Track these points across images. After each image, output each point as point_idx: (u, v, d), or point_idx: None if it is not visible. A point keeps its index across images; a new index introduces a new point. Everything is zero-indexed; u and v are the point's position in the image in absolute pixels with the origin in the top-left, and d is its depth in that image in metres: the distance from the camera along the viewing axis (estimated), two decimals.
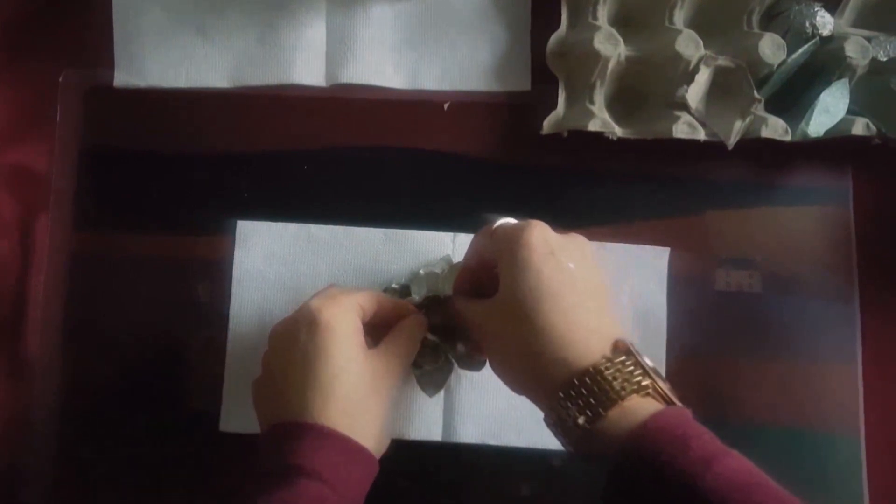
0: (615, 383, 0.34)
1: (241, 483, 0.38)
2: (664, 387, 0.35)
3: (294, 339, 0.39)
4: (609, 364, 0.35)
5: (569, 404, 0.35)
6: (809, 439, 0.49)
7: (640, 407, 0.34)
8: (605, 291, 0.39)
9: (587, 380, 0.35)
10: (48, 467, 0.49)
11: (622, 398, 0.34)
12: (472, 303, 0.41)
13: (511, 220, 0.42)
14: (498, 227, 0.40)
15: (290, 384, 0.39)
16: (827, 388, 0.49)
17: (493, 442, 0.49)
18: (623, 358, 0.35)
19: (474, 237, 0.42)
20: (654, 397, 0.35)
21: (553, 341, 0.36)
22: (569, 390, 0.35)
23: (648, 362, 0.36)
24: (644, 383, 0.35)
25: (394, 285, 0.49)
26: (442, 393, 0.48)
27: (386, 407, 0.41)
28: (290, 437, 0.37)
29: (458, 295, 0.43)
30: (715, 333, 0.50)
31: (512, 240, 0.38)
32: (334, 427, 0.37)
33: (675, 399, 0.35)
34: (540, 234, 0.38)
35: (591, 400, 0.34)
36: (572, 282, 0.37)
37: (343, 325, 0.39)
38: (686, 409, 0.35)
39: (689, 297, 0.50)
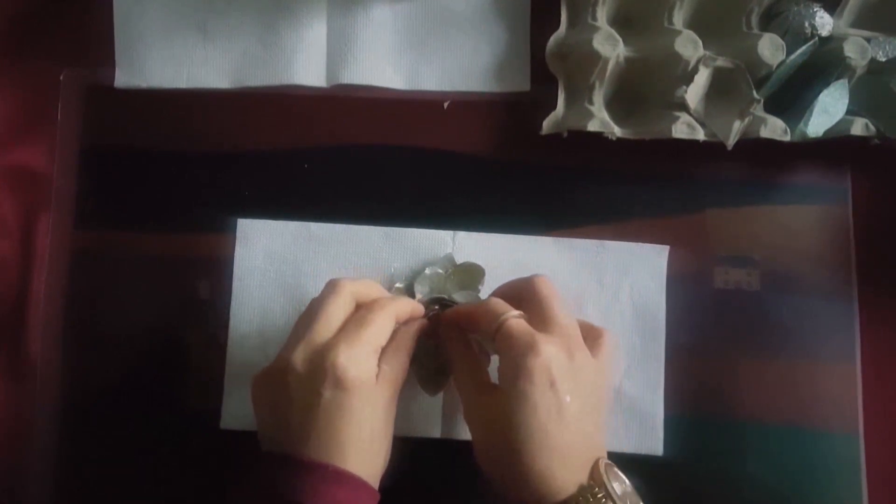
0: None
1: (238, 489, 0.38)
2: None
3: (316, 393, 0.37)
4: (581, 500, 0.36)
5: None
6: (808, 437, 0.49)
7: None
8: (601, 409, 0.40)
9: None
10: (49, 467, 0.49)
11: None
12: (474, 390, 0.41)
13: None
14: (504, 326, 0.39)
15: (312, 428, 0.37)
16: (825, 385, 0.50)
17: None
18: (596, 490, 0.37)
19: (476, 308, 0.43)
20: None
21: (532, 475, 0.37)
22: None
23: (618, 490, 0.37)
24: None
25: (398, 285, 0.49)
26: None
27: (390, 436, 0.41)
28: (303, 473, 0.36)
29: (463, 370, 0.43)
30: (713, 331, 0.50)
31: (515, 360, 0.38)
32: (349, 469, 0.37)
33: None
34: (543, 365, 0.37)
35: None
36: (566, 419, 0.37)
37: (368, 379, 0.38)
38: None
39: (688, 295, 0.50)
